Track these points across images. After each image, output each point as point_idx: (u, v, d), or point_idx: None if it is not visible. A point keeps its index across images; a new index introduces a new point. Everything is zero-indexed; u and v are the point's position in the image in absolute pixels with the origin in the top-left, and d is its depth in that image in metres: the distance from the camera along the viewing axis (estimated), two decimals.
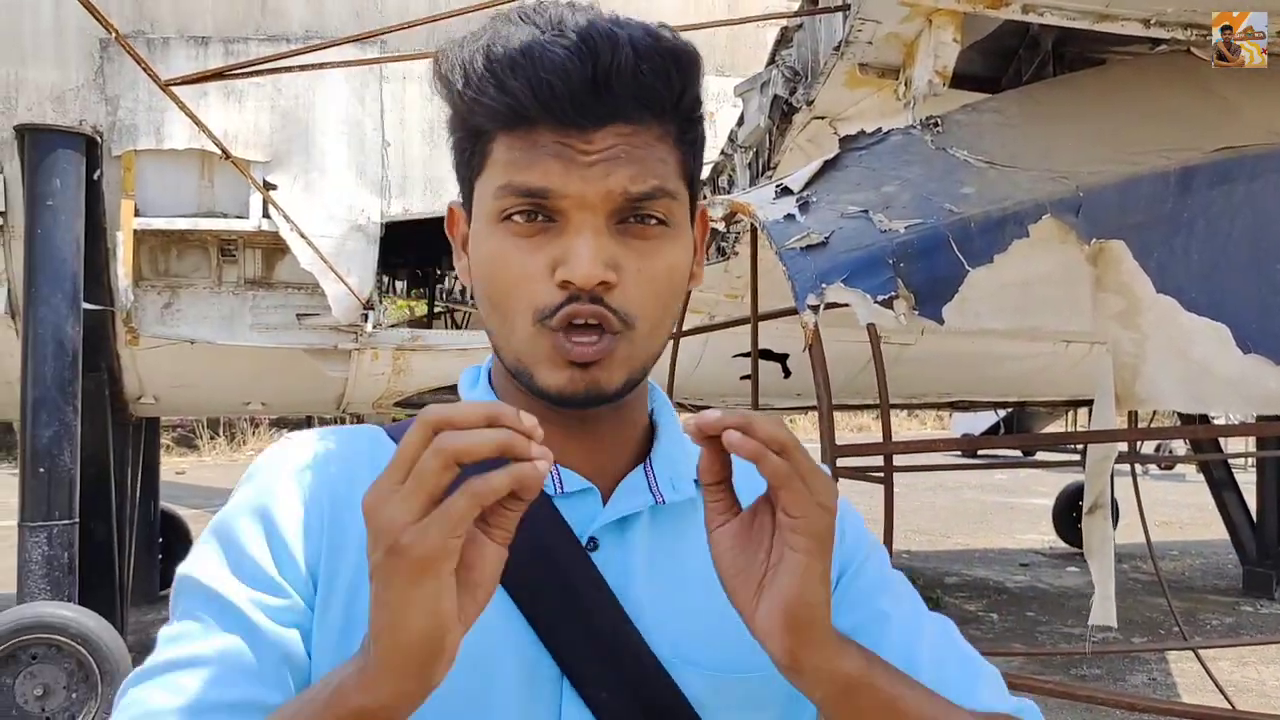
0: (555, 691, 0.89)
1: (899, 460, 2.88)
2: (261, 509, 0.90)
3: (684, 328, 4.26)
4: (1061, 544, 12.10)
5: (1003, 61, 3.53)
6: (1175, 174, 2.62)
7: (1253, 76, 3.06)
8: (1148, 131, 2.79)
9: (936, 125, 2.94)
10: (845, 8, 3.38)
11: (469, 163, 0.90)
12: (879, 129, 2.99)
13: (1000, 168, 2.73)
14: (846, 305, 2.59)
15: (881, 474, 2.75)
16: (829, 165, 2.92)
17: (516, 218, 0.86)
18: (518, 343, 0.88)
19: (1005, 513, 15.14)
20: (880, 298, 2.53)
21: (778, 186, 2.90)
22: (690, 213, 0.94)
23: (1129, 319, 2.54)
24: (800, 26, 4.04)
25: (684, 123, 0.90)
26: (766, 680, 0.90)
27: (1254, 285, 2.59)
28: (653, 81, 0.84)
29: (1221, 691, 5.88)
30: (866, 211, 2.69)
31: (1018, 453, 16.84)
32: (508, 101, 0.83)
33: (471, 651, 0.80)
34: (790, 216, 2.70)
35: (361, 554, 0.77)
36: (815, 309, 2.51)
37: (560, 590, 0.89)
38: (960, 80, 3.47)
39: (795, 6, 4.17)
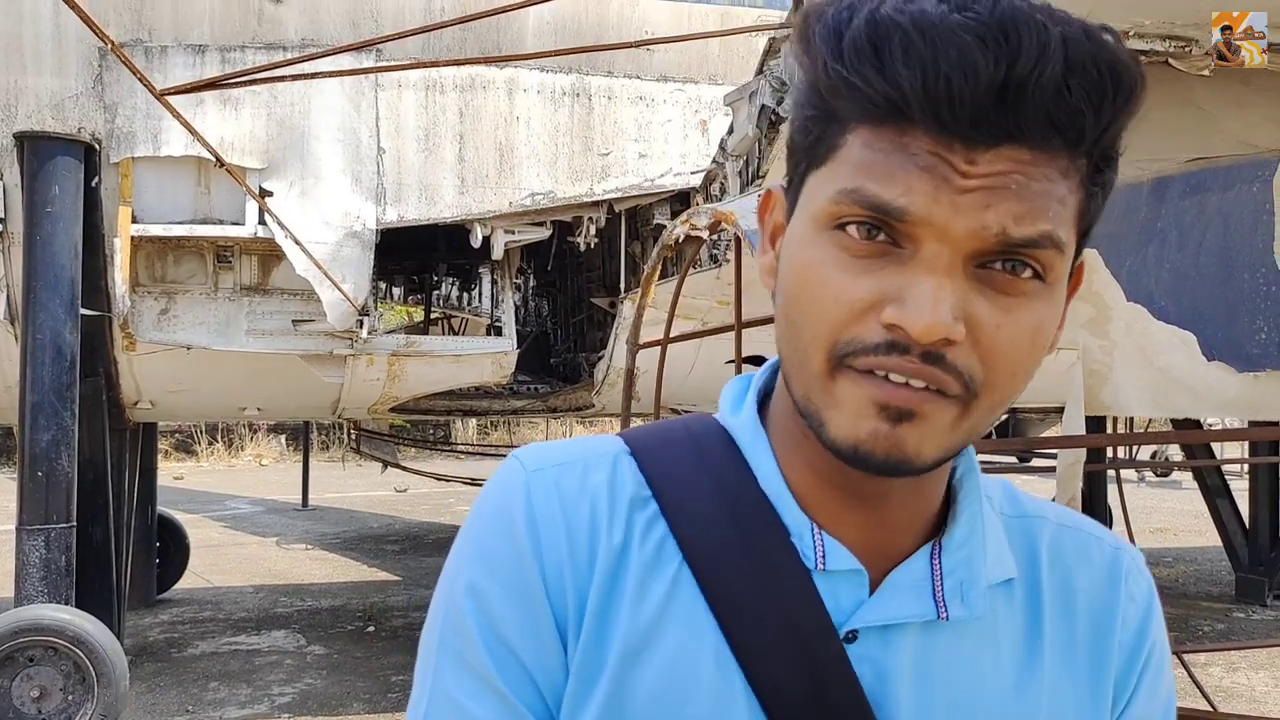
0: None
1: None
2: (475, 594, 0.78)
3: (673, 334, 4.32)
4: None
5: None
6: (1149, 184, 2.67)
7: (1230, 87, 3.12)
8: (1124, 141, 2.84)
9: None
10: None
11: (810, 148, 0.72)
12: None
13: None
14: None
15: None
16: None
17: (852, 229, 0.69)
18: (809, 378, 0.71)
19: None
20: None
21: (759, 196, 2.95)
22: (1070, 267, 0.74)
23: (1098, 327, 2.59)
24: (788, 37, 4.10)
25: (1101, 160, 0.70)
26: None
27: (1222, 294, 2.64)
28: (1079, 103, 0.65)
29: (1204, 694, 5.94)
30: None
31: (1014, 459, 16.89)
32: (886, 90, 0.65)
33: None
34: None
35: (632, 628, 0.74)
36: None
37: (807, 686, 0.74)
38: None
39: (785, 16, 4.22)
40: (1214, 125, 2.93)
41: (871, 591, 0.77)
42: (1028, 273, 0.68)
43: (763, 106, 4.22)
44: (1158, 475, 19.73)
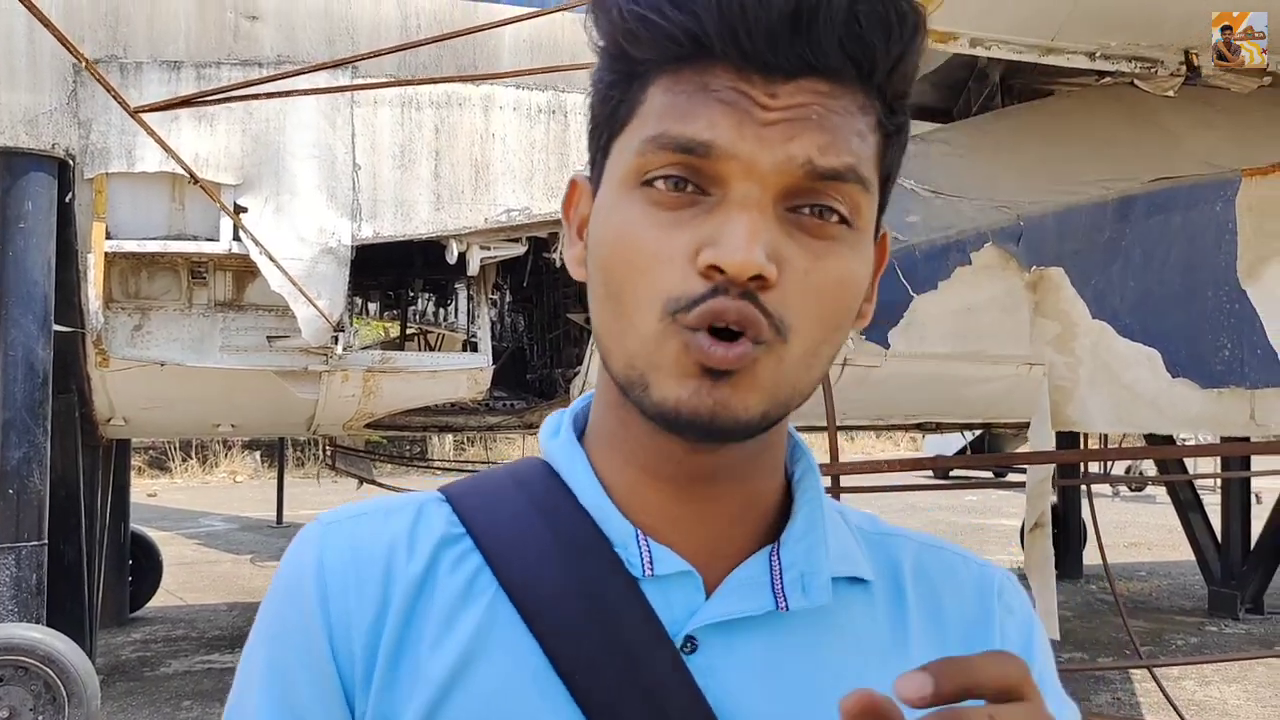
0: None
1: (866, 481, 2.95)
2: (272, 668, 0.73)
3: None
4: None
5: (954, 93, 3.64)
6: (1114, 204, 2.72)
7: (1194, 108, 3.18)
8: (1089, 162, 2.89)
9: None
10: None
11: (611, 115, 0.71)
12: None
13: (946, 197, 2.82)
14: None
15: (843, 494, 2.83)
16: None
17: (660, 184, 0.67)
18: (635, 343, 0.68)
19: (976, 533, 15.26)
20: None
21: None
22: (875, 226, 0.73)
23: (1064, 343, 2.63)
24: None
25: (894, 100, 0.70)
26: None
27: (1185, 312, 2.69)
28: (869, 34, 0.65)
29: (1175, 708, 5.98)
30: None
31: (989, 474, 17.01)
32: (683, 22, 0.64)
33: None
34: None
35: (440, 665, 0.70)
36: None
37: (642, 701, 0.69)
38: (913, 111, 3.57)
39: None
40: (1178, 145, 2.99)
41: (709, 596, 0.73)
42: (835, 218, 0.67)
43: None
44: (1133, 490, 19.88)
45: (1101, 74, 3.41)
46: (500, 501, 0.77)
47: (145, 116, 4.43)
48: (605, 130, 0.72)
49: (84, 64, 3.01)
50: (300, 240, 6.41)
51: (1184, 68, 3.30)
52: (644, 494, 0.75)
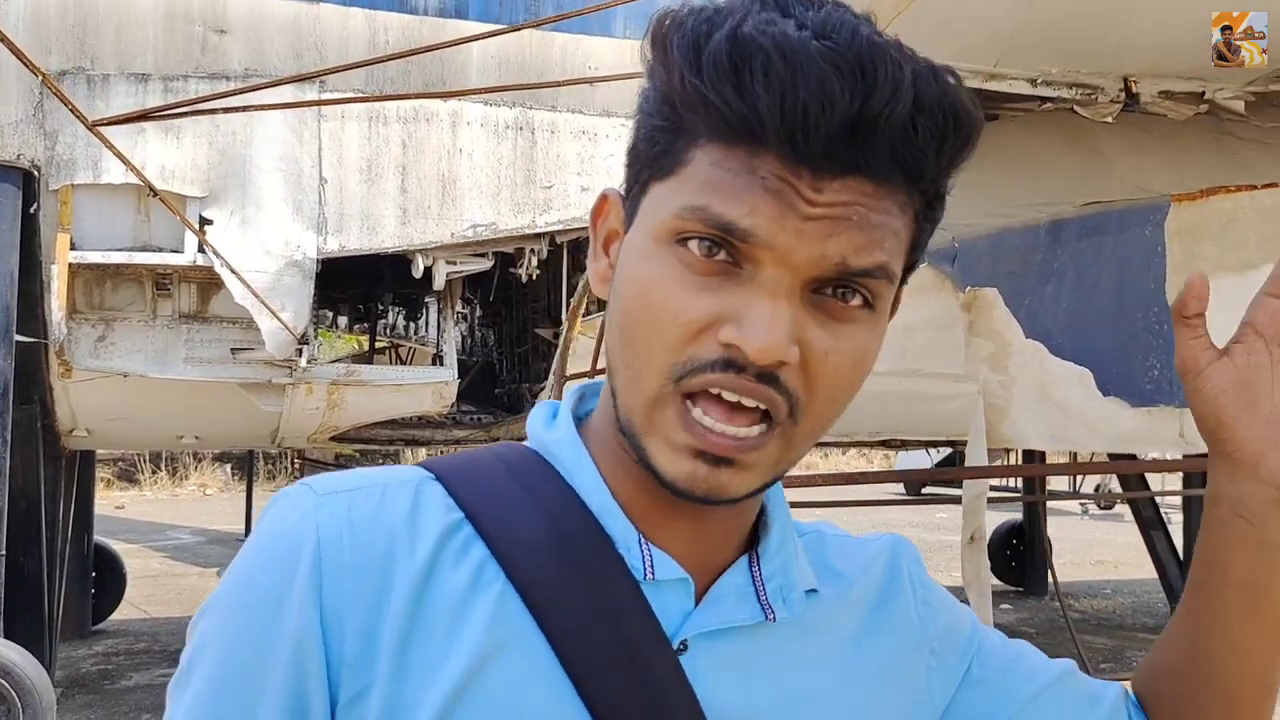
0: None
1: (834, 495, 2.98)
2: (238, 637, 0.71)
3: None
4: (997, 581, 12.30)
5: None
6: (1046, 226, 2.79)
7: (1129, 133, 3.25)
8: (1024, 186, 2.96)
9: None
10: None
11: (655, 158, 0.71)
12: None
13: None
14: None
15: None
16: None
17: (694, 245, 0.68)
18: (637, 397, 0.70)
19: (944, 550, 15.33)
20: None
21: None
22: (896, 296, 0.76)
23: (998, 362, 2.69)
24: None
25: (934, 198, 0.72)
26: None
27: (1116, 332, 2.76)
28: (924, 144, 0.66)
29: None
30: None
31: (959, 490, 17.10)
32: (743, 111, 0.65)
33: None
34: None
35: (454, 661, 0.70)
36: None
37: (643, 697, 0.72)
38: None
39: None
40: (1111, 170, 3.06)
41: (696, 602, 0.77)
42: (857, 300, 0.69)
43: None
44: (1101, 508, 20.02)
45: (1044, 100, 3.48)
46: (497, 490, 0.77)
47: (110, 129, 4.45)
48: (648, 170, 0.72)
49: (41, 78, 3.03)
50: (265, 253, 6.43)
51: (1123, 94, 3.38)
52: (644, 504, 0.77)
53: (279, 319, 6.27)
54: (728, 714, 0.75)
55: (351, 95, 6.30)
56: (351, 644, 0.70)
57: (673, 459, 0.69)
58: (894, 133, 0.65)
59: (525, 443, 0.84)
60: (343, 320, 11.42)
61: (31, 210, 6.13)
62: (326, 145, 6.66)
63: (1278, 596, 0.81)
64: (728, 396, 0.67)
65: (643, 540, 0.76)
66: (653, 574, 0.75)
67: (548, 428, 0.82)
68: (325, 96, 6.38)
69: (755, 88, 0.64)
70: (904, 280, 0.76)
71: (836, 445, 14.10)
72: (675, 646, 0.74)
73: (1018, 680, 0.89)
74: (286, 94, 6.03)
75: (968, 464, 2.81)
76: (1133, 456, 8.75)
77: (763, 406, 0.68)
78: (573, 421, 0.82)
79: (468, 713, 0.69)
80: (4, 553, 5.71)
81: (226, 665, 0.70)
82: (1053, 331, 2.74)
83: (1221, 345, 0.82)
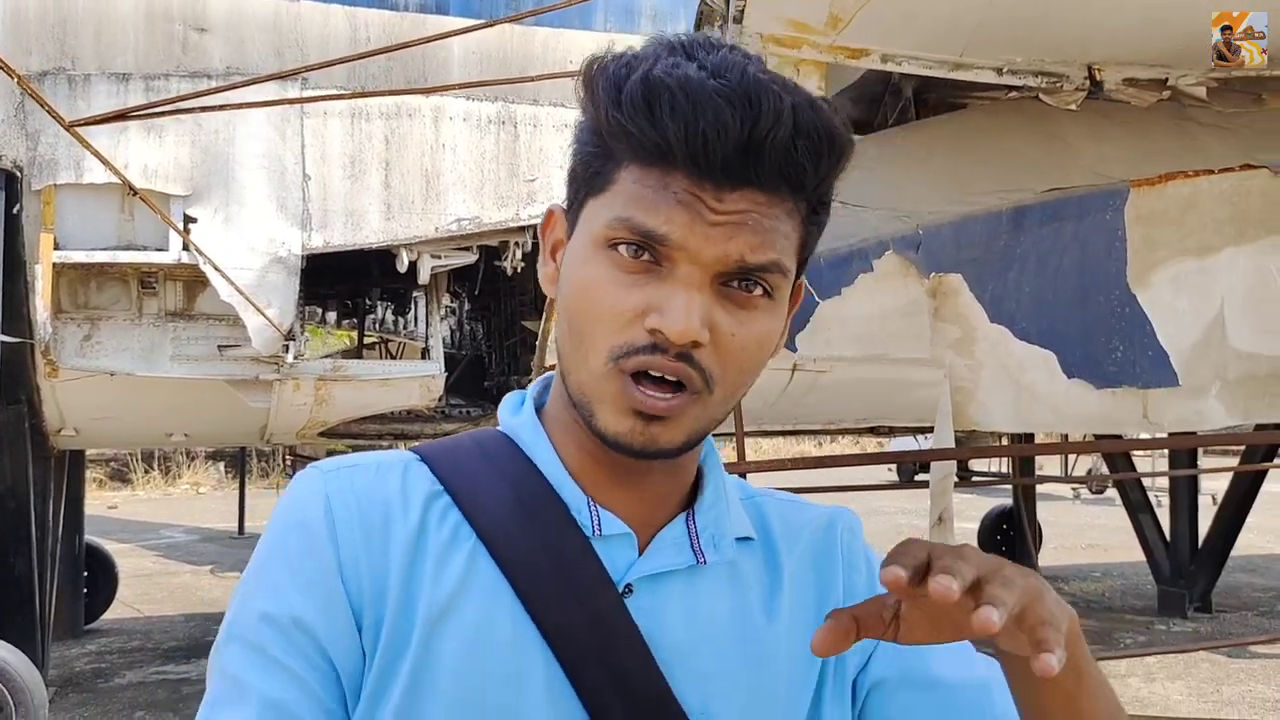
0: None
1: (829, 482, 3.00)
2: (269, 587, 0.87)
3: None
4: None
5: (873, 106, 3.76)
6: (1008, 213, 2.84)
7: (1092, 120, 3.30)
8: (988, 173, 3.01)
9: None
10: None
11: (589, 179, 0.86)
12: None
13: (851, 207, 2.93)
14: None
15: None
16: None
17: (622, 249, 0.83)
18: (586, 375, 0.85)
19: (935, 536, 15.43)
20: None
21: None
22: (792, 288, 0.90)
23: (964, 347, 2.74)
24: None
25: (818, 204, 0.87)
26: None
27: (1079, 315, 2.80)
28: (803, 160, 0.81)
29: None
30: None
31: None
32: (655, 139, 0.79)
33: (502, 690, 0.85)
34: None
35: (434, 599, 0.85)
36: None
37: (593, 633, 0.87)
38: None
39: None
40: (1072, 158, 3.11)
41: (640, 554, 0.91)
42: (758, 290, 0.84)
43: None
44: (1093, 492, 20.10)
45: (1010, 88, 3.53)
46: (471, 466, 0.93)
47: (93, 129, 4.48)
48: (584, 188, 0.87)
49: (16, 80, 3.06)
50: (250, 250, 6.46)
51: (1088, 82, 3.43)
52: (593, 472, 0.92)
53: (265, 316, 6.30)
54: (666, 644, 0.89)
55: (333, 92, 6.32)
56: (367, 585, 0.86)
57: (617, 418, 0.84)
58: (778, 152, 0.79)
59: (498, 427, 0.99)
60: (331, 316, 11.46)
61: (14, 211, 6.14)
62: (309, 142, 6.68)
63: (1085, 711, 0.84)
64: (653, 373, 0.82)
65: (591, 503, 0.91)
66: (600, 530, 0.90)
67: (514, 414, 0.98)
68: (307, 94, 6.40)
69: (664, 119, 0.78)
70: (799, 275, 0.91)
71: (824, 433, 14.14)
72: (620, 589, 0.89)
73: (921, 662, 0.96)
74: (269, 91, 6.06)
75: (934, 446, 2.86)
76: (1118, 437, 8.83)
77: (680, 391, 0.83)
78: (533, 408, 0.97)
79: (447, 629, 0.85)
80: None
81: (272, 606, 0.85)
82: (1017, 316, 2.79)
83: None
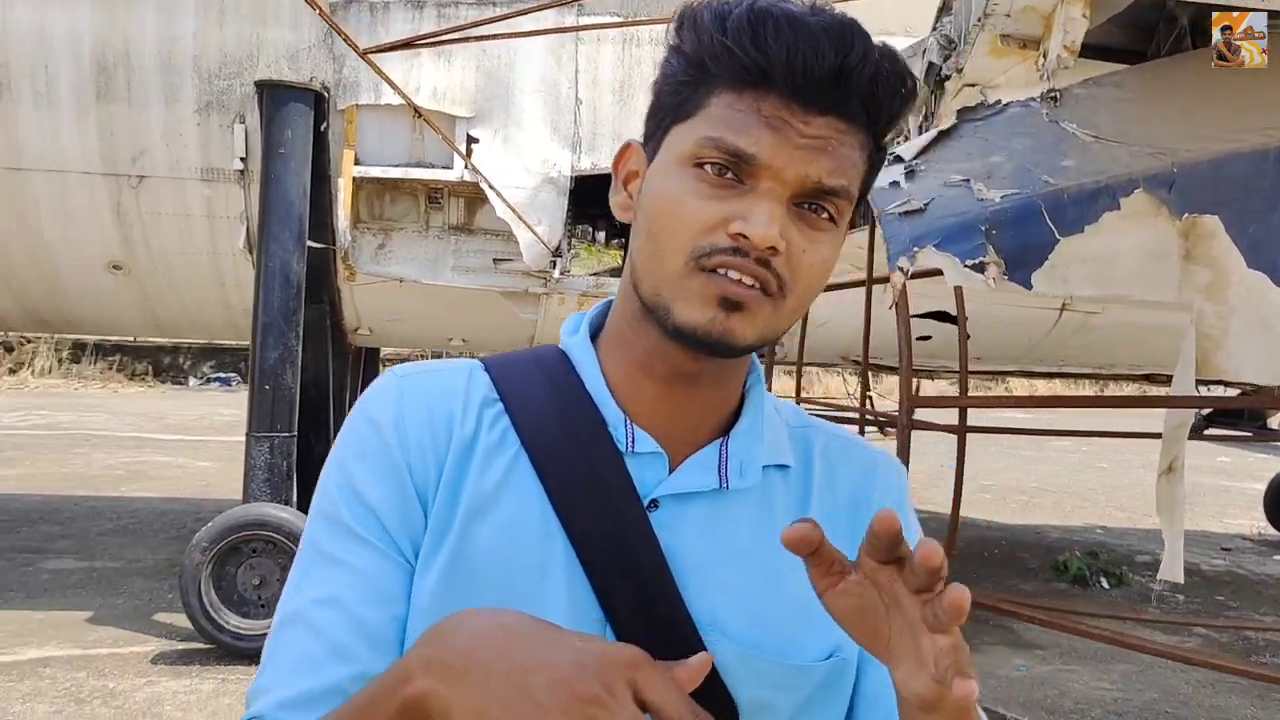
0: (599, 634, 0.92)
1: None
2: (346, 471, 0.97)
3: None
4: (1272, 531, 11.49)
5: (1145, 35, 3.54)
6: (1275, 152, 2.65)
7: None
8: (1256, 109, 2.81)
9: (1055, 98, 3.04)
10: None
11: (675, 108, 0.93)
12: (999, 101, 3.11)
13: (1104, 141, 2.82)
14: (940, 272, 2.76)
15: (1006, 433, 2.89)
16: (944, 135, 3.07)
17: (708, 168, 0.89)
18: (664, 275, 0.90)
19: (1220, 495, 14.40)
20: (970, 262, 2.69)
21: (890, 154, 3.08)
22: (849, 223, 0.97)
23: (1215, 292, 2.61)
24: None
25: (883, 140, 0.94)
26: (800, 670, 0.97)
27: None
28: (883, 96, 0.88)
29: None
30: (968, 180, 2.84)
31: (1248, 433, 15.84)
32: (758, 60, 0.86)
33: (527, 578, 0.92)
34: (895, 184, 2.89)
35: (476, 493, 0.94)
36: (905, 270, 2.70)
37: (616, 542, 0.93)
38: (1105, 53, 3.51)
39: None
40: None
41: (670, 473, 0.98)
42: (825, 215, 0.91)
43: (930, 64, 4.28)
44: None
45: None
46: (525, 379, 1.02)
47: (387, 55, 4.87)
48: (670, 116, 0.93)
49: (317, 10, 3.39)
50: (524, 170, 6.81)
51: None
52: (637, 389, 0.99)
53: (534, 233, 6.64)
54: (683, 559, 0.95)
55: (607, 20, 6.51)
56: (432, 476, 0.96)
57: (699, 309, 0.89)
58: (864, 84, 0.87)
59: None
60: (602, 236, 11.86)
61: (322, 129, 6.69)
62: (583, 68, 6.92)
63: None
64: (733, 275, 0.88)
65: (628, 421, 0.98)
66: (633, 447, 0.97)
67: (571, 334, 1.06)
68: (584, 21, 6.63)
69: (768, 41, 0.86)
70: (858, 206, 0.96)
71: (1099, 377, 13.39)
72: (646, 504, 0.95)
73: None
74: (548, 19, 6.33)
75: (1173, 393, 2.74)
76: None
77: (758, 286, 0.89)
78: (588, 329, 1.04)
79: (484, 521, 0.94)
80: (296, 434, 6.37)
81: (349, 489, 0.96)
82: (1278, 261, 2.61)
83: None
